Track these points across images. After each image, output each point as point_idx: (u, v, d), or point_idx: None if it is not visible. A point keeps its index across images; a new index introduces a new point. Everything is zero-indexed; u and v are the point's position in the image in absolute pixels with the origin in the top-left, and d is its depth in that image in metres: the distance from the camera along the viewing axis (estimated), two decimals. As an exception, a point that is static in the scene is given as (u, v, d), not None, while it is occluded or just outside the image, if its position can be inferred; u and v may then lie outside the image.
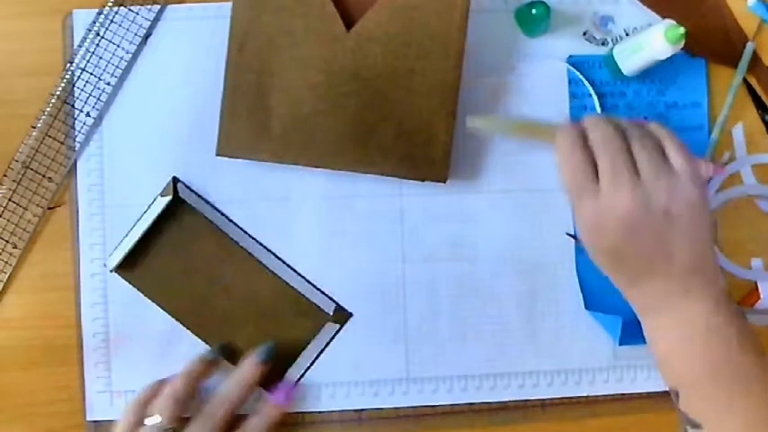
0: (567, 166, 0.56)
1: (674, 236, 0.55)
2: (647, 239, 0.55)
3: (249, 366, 0.63)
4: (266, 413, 0.63)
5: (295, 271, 0.65)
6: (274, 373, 0.64)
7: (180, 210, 0.65)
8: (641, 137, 0.56)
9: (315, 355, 0.65)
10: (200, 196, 0.65)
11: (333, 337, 0.65)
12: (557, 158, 0.57)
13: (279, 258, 0.65)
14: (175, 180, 0.65)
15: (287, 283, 0.65)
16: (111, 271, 0.64)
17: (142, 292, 0.65)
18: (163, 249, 0.65)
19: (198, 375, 0.62)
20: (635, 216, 0.54)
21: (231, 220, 0.65)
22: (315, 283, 0.65)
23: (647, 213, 0.55)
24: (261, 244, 0.65)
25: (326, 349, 0.65)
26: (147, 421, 0.60)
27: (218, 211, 0.65)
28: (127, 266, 0.64)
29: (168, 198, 0.64)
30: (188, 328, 0.65)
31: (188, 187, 0.65)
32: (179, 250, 0.65)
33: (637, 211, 0.54)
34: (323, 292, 0.65)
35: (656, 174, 0.55)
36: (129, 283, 0.65)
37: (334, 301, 0.65)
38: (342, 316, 0.65)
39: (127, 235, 0.64)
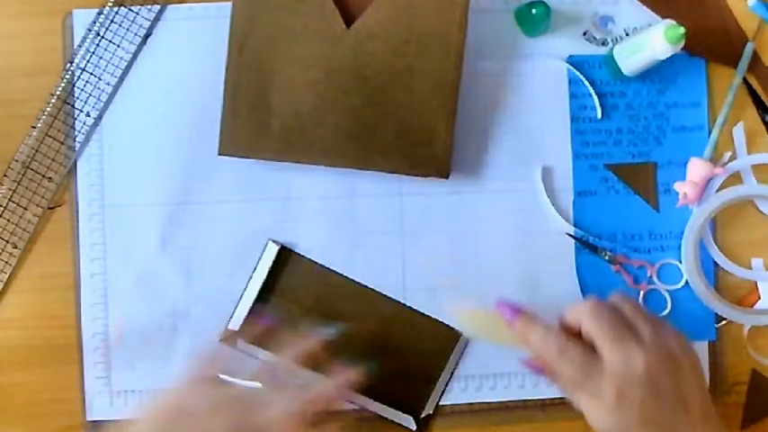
0: (565, 360, 0.56)
1: (686, 384, 0.56)
2: (668, 392, 0.55)
3: (351, 375, 0.60)
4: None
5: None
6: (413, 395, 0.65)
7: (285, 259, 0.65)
8: (625, 304, 0.58)
9: (451, 371, 0.65)
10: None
11: (463, 351, 0.65)
12: (550, 362, 0.57)
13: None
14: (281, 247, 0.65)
15: (406, 307, 0.65)
16: (220, 340, 0.64)
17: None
18: (277, 302, 0.65)
19: (307, 353, 0.60)
20: (653, 368, 0.55)
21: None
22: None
23: (661, 364, 0.55)
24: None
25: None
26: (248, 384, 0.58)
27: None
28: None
29: (277, 247, 0.64)
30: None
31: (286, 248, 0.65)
32: (291, 298, 0.65)
33: (654, 363, 0.55)
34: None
35: (654, 328, 0.57)
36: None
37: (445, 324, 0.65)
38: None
39: (242, 297, 0.65)
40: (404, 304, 0.65)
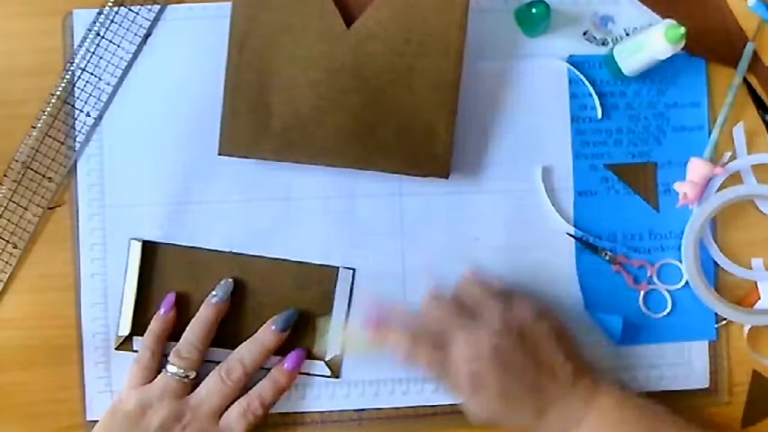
0: (417, 362, 0.58)
1: (543, 349, 0.57)
2: (522, 363, 0.57)
3: (266, 333, 0.63)
4: (276, 379, 0.63)
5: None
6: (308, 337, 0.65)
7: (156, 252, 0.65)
8: (468, 287, 0.60)
9: (347, 304, 0.65)
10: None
11: (353, 283, 0.65)
12: (405, 363, 0.59)
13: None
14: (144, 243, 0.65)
15: (291, 262, 0.65)
16: (116, 348, 0.65)
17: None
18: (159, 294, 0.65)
19: (212, 321, 0.63)
20: (501, 346, 0.56)
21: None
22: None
23: (509, 339, 0.57)
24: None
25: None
26: (170, 369, 0.61)
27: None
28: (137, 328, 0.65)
29: (140, 244, 0.64)
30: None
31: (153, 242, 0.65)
32: (170, 286, 0.65)
33: (501, 341, 0.56)
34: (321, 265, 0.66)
35: (502, 305, 0.58)
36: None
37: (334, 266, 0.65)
38: (349, 269, 0.65)
39: (122, 301, 0.65)
40: (274, 258, 0.65)
